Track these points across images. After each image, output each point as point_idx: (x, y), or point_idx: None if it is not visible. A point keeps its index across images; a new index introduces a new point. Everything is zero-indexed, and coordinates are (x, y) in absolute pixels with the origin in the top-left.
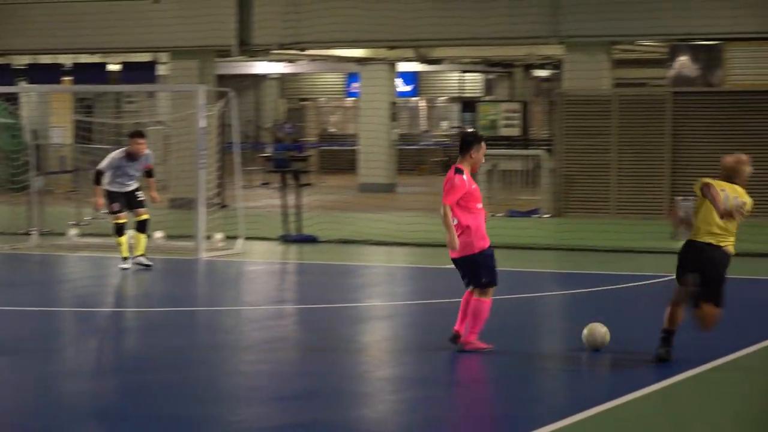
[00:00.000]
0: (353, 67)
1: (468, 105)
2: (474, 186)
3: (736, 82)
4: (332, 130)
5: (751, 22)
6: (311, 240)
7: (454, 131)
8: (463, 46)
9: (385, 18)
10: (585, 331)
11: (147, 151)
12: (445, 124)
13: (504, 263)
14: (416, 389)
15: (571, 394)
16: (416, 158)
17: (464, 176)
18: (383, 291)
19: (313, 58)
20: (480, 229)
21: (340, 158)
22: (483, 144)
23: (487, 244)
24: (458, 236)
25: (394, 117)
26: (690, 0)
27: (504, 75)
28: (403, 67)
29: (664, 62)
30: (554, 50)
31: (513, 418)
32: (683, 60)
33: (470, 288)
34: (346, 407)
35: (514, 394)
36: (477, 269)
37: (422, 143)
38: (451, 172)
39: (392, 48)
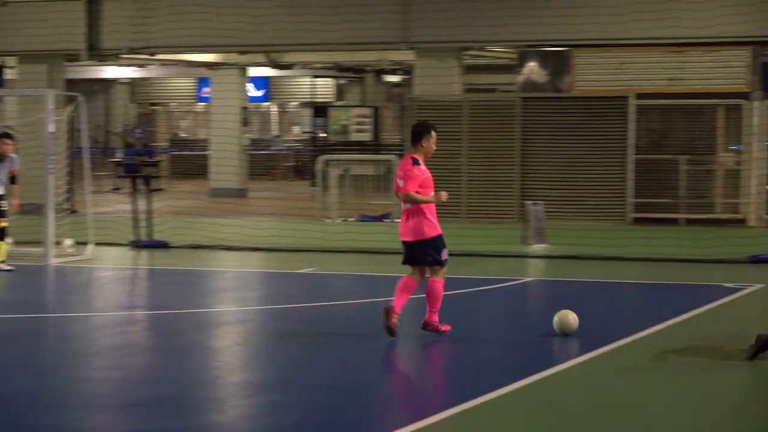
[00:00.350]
0: (204, 72)
1: (319, 110)
2: (428, 174)
3: (583, 88)
4: (183, 134)
5: (598, 29)
6: (162, 245)
7: (306, 136)
8: (314, 51)
9: (236, 23)
10: (555, 319)
11: (13, 155)
12: (296, 129)
13: (355, 268)
14: (268, 394)
15: (418, 399)
16: (268, 163)
17: (421, 165)
18: (235, 296)
19: (164, 63)
20: (434, 214)
21: (191, 163)
22: (433, 133)
23: (439, 228)
24: (413, 220)
25: (245, 122)
26: (539, 7)
27: (355, 80)
28: (254, 72)
29: (514, 68)
30: (405, 56)
31: (364, 424)
32: (532, 66)
33: (412, 270)
34: (197, 413)
35: (367, 399)
36: (431, 251)
37: (274, 148)
38: (408, 162)
39: (243, 53)
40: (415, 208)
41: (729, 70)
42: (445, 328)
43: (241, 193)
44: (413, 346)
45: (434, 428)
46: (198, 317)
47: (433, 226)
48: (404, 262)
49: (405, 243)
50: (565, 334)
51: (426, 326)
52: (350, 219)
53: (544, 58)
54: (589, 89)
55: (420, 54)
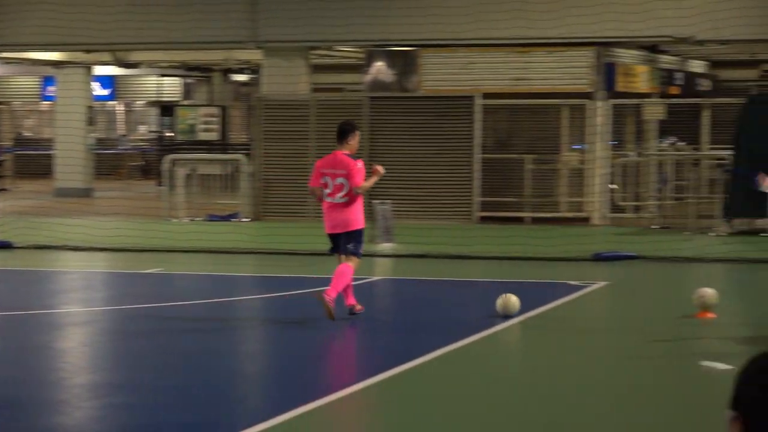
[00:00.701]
0: (49, 71)
1: (166, 109)
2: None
3: (430, 88)
4: (27, 134)
5: (444, 29)
6: (6, 246)
7: (153, 135)
8: (160, 50)
9: (82, 21)
10: (499, 301)
11: None
12: (143, 129)
13: (203, 267)
14: (114, 395)
15: (256, 400)
16: (114, 162)
17: (360, 161)
18: (81, 297)
19: (7, 61)
20: (362, 207)
21: (35, 163)
22: (358, 132)
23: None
24: (345, 213)
25: (90, 121)
26: (386, 8)
27: (203, 79)
28: (99, 70)
29: (361, 68)
30: (252, 55)
31: (212, 424)
32: (379, 65)
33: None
34: (41, 415)
35: (215, 399)
36: (356, 241)
37: (120, 147)
38: (344, 158)
39: (89, 51)
40: (348, 201)
41: (573, 71)
42: (332, 305)
43: (86, 193)
44: (261, 345)
45: (275, 430)
46: (43, 318)
47: (362, 219)
48: (332, 252)
49: (334, 235)
50: (507, 315)
51: (320, 295)
52: (197, 219)
53: (392, 58)
54: (436, 89)
55: (267, 53)
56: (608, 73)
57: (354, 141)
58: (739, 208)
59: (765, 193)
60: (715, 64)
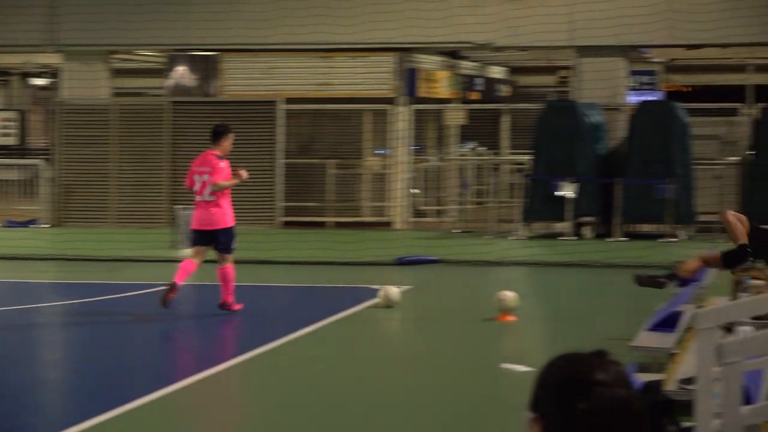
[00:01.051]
0: None
1: None
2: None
3: (232, 92)
4: None
5: (246, 33)
6: None
7: None
8: None
9: None
10: (381, 292)
11: None
12: None
13: (1, 275)
14: None
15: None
16: None
17: (225, 162)
18: None
19: None
20: (231, 207)
21: None
22: (231, 134)
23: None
24: (213, 210)
25: None
26: (187, 12)
27: (0, 83)
28: None
29: (163, 72)
30: (52, 58)
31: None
32: (181, 70)
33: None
34: None
35: (11, 408)
36: (229, 239)
37: None
38: (212, 158)
39: None
40: (216, 200)
41: (375, 76)
42: (238, 306)
43: None
44: (53, 353)
45: None
46: None
47: (231, 217)
48: (194, 245)
49: (200, 231)
50: (389, 305)
51: (222, 306)
52: None
53: (193, 63)
54: (238, 93)
55: (67, 57)
56: (410, 78)
57: (226, 142)
58: (538, 213)
59: (562, 197)
60: (515, 70)
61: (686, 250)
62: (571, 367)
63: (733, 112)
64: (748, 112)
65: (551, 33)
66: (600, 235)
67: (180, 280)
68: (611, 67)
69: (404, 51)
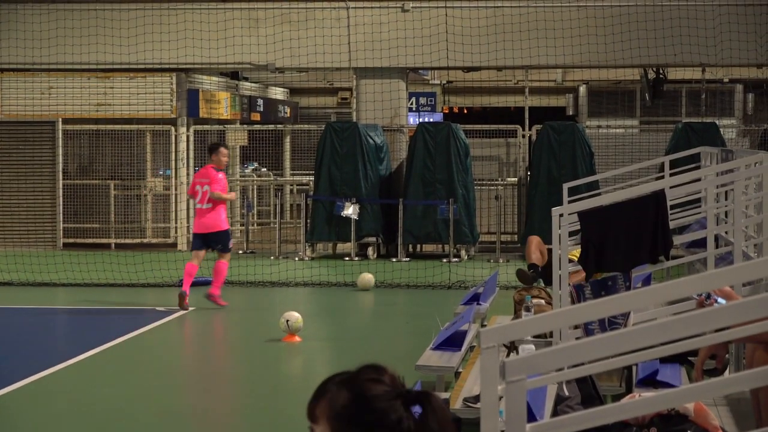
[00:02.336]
0: None
1: None
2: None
3: (10, 113)
4: None
5: (24, 53)
6: None
7: None
8: None
9: None
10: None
11: None
12: None
13: None
14: None
15: None
16: None
17: (222, 174)
18: None
19: None
20: (225, 214)
21: None
22: (222, 149)
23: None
24: (210, 216)
25: None
26: None
27: None
28: None
29: None
30: None
31: None
32: None
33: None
34: None
35: None
36: (226, 239)
37: None
38: (211, 170)
39: None
40: (212, 207)
41: (155, 96)
42: (223, 303)
43: None
44: None
45: None
46: None
47: (225, 222)
48: (193, 249)
49: (200, 234)
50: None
51: (209, 297)
52: None
53: None
54: (16, 114)
55: None
56: (191, 99)
57: (219, 156)
58: (321, 233)
59: (345, 218)
60: (295, 91)
61: (469, 270)
62: (382, 386)
63: (512, 134)
64: (526, 134)
65: (330, 54)
66: (384, 256)
67: (187, 287)
68: (391, 88)
69: (184, 71)
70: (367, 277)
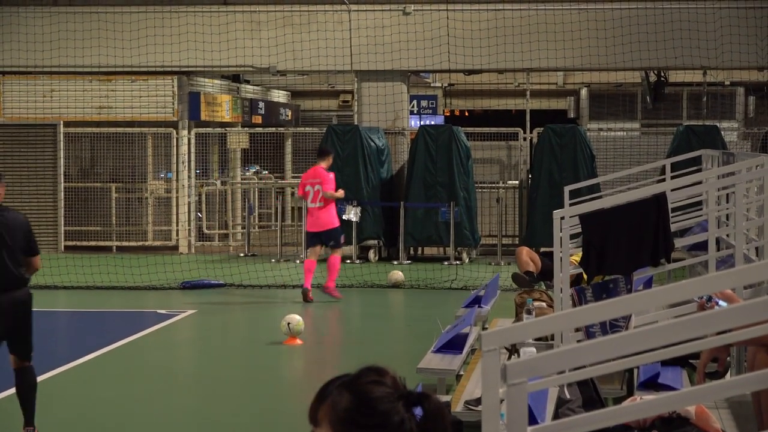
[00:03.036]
0: None
1: None
2: None
3: (12, 116)
4: None
5: (26, 56)
6: None
7: None
8: None
9: None
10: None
11: None
12: None
13: None
14: None
15: None
16: None
17: (332, 174)
18: None
19: None
20: (335, 212)
21: None
22: (331, 152)
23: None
24: (323, 215)
25: None
26: None
27: None
28: None
29: None
30: None
31: None
32: None
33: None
34: None
35: None
36: (338, 235)
37: None
38: (321, 171)
39: None
40: (324, 205)
41: (157, 99)
42: (339, 295)
43: None
44: None
45: None
46: None
47: (336, 219)
48: (309, 246)
49: (316, 233)
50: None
51: (325, 290)
52: None
53: None
54: (18, 117)
55: None
56: (192, 102)
57: (329, 160)
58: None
59: (347, 221)
60: (297, 94)
61: (470, 272)
62: (384, 388)
63: (513, 137)
64: (527, 136)
65: (332, 57)
66: (385, 259)
67: (309, 283)
68: (392, 91)
69: (185, 74)
70: (397, 275)
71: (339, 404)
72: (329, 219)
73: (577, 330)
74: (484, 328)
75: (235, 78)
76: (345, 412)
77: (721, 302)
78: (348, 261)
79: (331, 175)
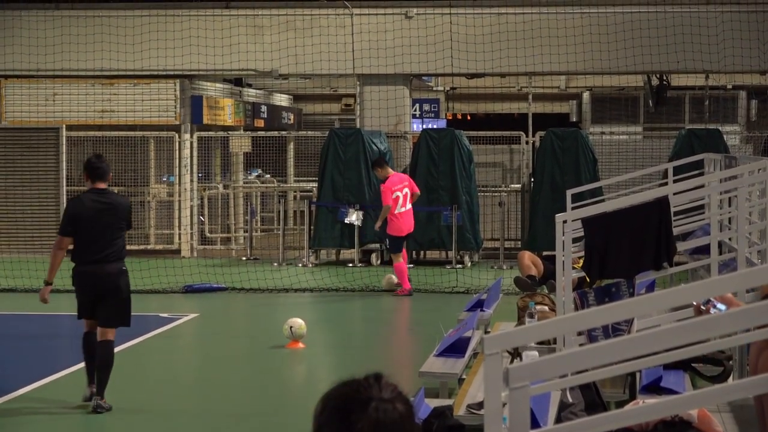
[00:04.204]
0: None
1: None
2: None
3: (14, 119)
4: None
5: (28, 59)
6: None
7: None
8: None
9: None
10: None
11: None
12: None
13: None
14: None
15: None
16: None
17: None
18: None
19: None
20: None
21: None
22: (387, 166)
23: None
24: (411, 215)
25: None
26: None
27: None
28: None
29: None
30: None
31: None
32: None
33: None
34: None
35: None
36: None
37: None
38: (405, 175)
39: None
40: (411, 207)
41: (159, 103)
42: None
43: None
44: None
45: None
46: None
47: None
48: (399, 250)
49: (407, 235)
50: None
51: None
52: None
53: None
54: (21, 120)
55: None
56: (194, 105)
57: (384, 170)
58: (325, 240)
59: (349, 224)
60: (299, 97)
61: (472, 277)
62: (348, 389)
63: (515, 140)
64: (529, 140)
65: (334, 61)
66: (387, 262)
67: (409, 283)
68: (395, 95)
69: (187, 78)
70: (392, 279)
71: (317, 409)
72: (397, 225)
73: (579, 334)
74: (486, 332)
75: (238, 82)
76: (315, 412)
77: (719, 305)
78: (350, 265)
79: (388, 186)
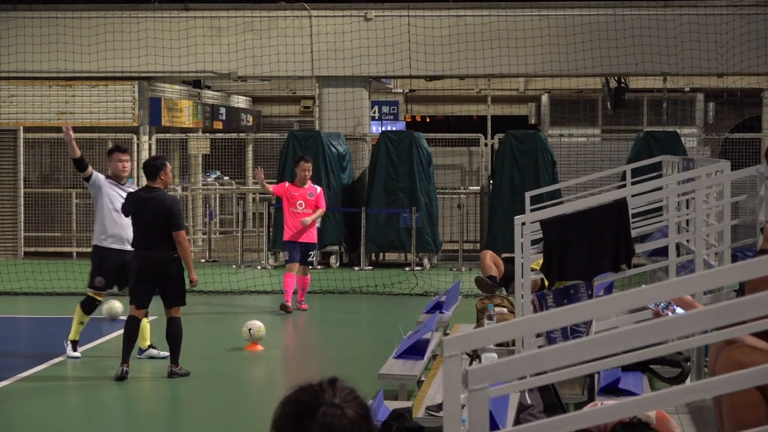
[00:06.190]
0: None
1: None
2: None
3: None
4: None
5: None
6: None
7: None
8: None
9: None
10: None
11: None
12: None
13: None
14: None
15: None
16: None
17: None
18: None
19: None
20: None
21: None
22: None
23: None
24: (311, 228)
25: None
26: None
27: None
28: None
29: None
30: None
31: None
32: None
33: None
34: None
35: None
36: (311, 251)
37: None
38: (315, 188)
39: None
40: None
41: (117, 105)
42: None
43: None
44: None
45: None
46: None
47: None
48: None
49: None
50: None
51: (298, 302)
52: None
53: None
54: None
55: None
56: (153, 107)
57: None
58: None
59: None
60: (258, 99)
61: (431, 279)
62: (302, 394)
63: (474, 142)
64: (488, 142)
65: (293, 63)
66: (346, 264)
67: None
68: (353, 97)
69: (146, 80)
70: (115, 306)
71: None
72: (313, 231)
73: (538, 335)
74: (445, 334)
75: (196, 83)
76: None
77: (678, 309)
78: (309, 267)
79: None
